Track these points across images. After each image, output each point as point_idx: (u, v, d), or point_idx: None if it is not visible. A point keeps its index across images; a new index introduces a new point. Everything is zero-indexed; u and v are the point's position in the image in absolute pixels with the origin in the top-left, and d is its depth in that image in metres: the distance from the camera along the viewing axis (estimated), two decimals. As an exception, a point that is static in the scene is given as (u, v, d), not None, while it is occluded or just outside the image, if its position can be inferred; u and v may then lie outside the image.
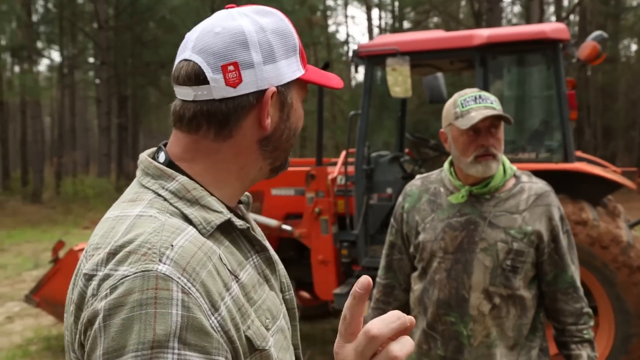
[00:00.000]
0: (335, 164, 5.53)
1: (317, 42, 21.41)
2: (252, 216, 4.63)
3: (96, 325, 0.80)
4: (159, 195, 0.93)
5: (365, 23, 23.56)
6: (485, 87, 4.40)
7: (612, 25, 23.32)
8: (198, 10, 17.04)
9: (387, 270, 2.23)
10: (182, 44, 0.97)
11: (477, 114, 1.89)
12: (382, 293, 2.24)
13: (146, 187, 0.95)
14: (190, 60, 0.94)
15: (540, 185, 2.03)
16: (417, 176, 2.23)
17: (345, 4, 25.64)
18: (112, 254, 0.84)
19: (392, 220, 2.21)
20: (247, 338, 0.90)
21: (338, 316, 6.35)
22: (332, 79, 1.08)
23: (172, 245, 0.84)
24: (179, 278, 0.81)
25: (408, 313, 2.26)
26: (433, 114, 14.51)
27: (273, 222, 5.10)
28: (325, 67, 4.94)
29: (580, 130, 23.39)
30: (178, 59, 0.97)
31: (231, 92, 0.93)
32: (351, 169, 4.94)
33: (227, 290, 0.89)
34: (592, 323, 2.02)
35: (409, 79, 4.42)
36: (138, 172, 0.99)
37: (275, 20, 0.98)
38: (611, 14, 22.96)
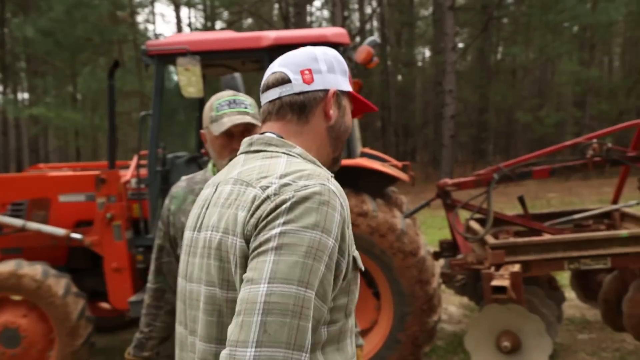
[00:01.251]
0: (129, 167, 5.31)
1: (124, 40, 20.42)
2: (34, 226, 4.27)
3: (283, 207, 1.12)
4: (290, 154, 1.28)
5: (176, 22, 22.96)
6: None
7: (407, 32, 25.58)
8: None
9: (157, 274, 2.19)
10: (268, 69, 1.38)
11: (228, 120, 1.94)
12: (153, 298, 2.21)
13: (274, 152, 1.29)
14: (277, 71, 1.34)
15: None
16: (183, 177, 2.22)
17: (152, 1, 24.80)
18: (285, 176, 1.18)
19: (159, 223, 2.18)
20: (353, 257, 1.23)
21: (138, 325, 6.11)
22: (369, 103, 1.48)
23: (329, 178, 1.22)
24: (339, 197, 1.18)
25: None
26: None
27: (60, 232, 4.75)
28: (115, 66, 4.72)
29: (383, 129, 25.31)
30: (266, 75, 1.37)
31: (306, 87, 1.33)
32: (145, 171, 4.78)
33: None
34: None
35: (201, 79, 4.40)
36: (254, 147, 1.32)
37: (333, 51, 1.40)
38: (406, 22, 25.13)
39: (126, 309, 4.71)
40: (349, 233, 1.21)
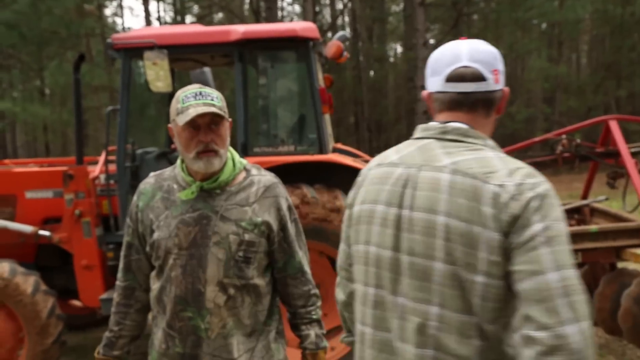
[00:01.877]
0: (98, 162, 5.23)
1: (92, 34, 20.05)
2: (0, 223, 4.17)
3: (533, 205, 1.33)
4: (488, 147, 1.48)
5: (144, 15, 22.63)
6: (244, 82, 4.51)
7: (378, 28, 25.66)
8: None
9: (126, 271, 2.17)
10: (447, 58, 1.52)
11: (193, 110, 1.91)
12: (123, 296, 2.19)
13: (474, 144, 1.48)
14: (471, 67, 1.49)
15: (269, 177, 2.11)
16: (151, 174, 2.20)
17: (121, -6, 24.41)
18: (512, 173, 1.38)
19: (127, 220, 2.16)
20: None
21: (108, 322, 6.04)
22: None
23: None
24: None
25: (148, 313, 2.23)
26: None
27: (28, 229, 4.67)
28: (80, 59, 4.64)
29: (357, 124, 25.38)
30: (453, 66, 1.50)
31: (496, 87, 1.52)
32: (114, 167, 4.71)
33: None
34: (319, 303, 2.20)
35: (169, 73, 4.35)
36: (450, 136, 1.50)
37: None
38: (377, 17, 25.21)
39: (97, 307, 4.66)
40: None
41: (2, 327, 4.40)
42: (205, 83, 5.14)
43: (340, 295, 1.85)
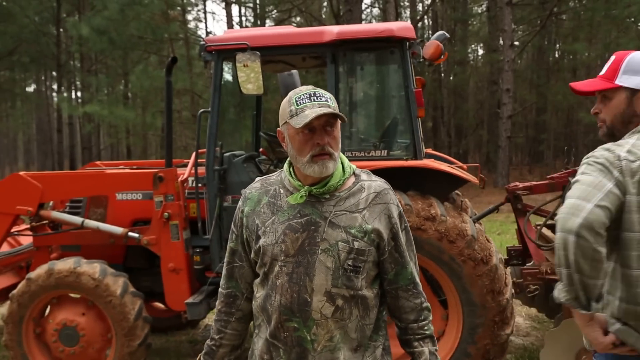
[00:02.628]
0: (187, 165, 5.22)
1: (175, 38, 20.63)
2: (92, 224, 4.22)
3: None
4: None
5: (226, 20, 23.06)
6: (337, 84, 4.35)
7: (460, 30, 25.00)
8: (41, -1, 15.70)
9: (229, 278, 2.10)
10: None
11: (311, 112, 1.81)
12: (225, 303, 2.11)
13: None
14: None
15: (379, 183, 1.99)
16: (257, 178, 2.11)
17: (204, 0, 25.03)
18: None
19: (232, 226, 2.08)
20: None
21: (194, 326, 6.06)
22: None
23: None
24: None
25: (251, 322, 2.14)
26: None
27: (118, 230, 4.70)
28: (173, 62, 4.63)
29: (435, 129, 24.83)
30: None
31: None
32: (202, 170, 4.66)
33: None
34: (431, 317, 2.04)
35: (260, 76, 4.25)
36: None
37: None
38: (460, 19, 24.57)
39: (183, 311, 4.61)
40: None
41: (92, 327, 4.44)
42: (293, 86, 5.03)
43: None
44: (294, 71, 5.38)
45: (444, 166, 4.28)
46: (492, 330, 3.96)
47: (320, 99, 1.85)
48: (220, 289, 2.13)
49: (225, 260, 2.11)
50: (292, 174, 1.97)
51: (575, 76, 23.28)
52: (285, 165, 2.01)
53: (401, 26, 4.31)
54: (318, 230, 1.88)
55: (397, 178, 4.24)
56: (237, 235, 2.05)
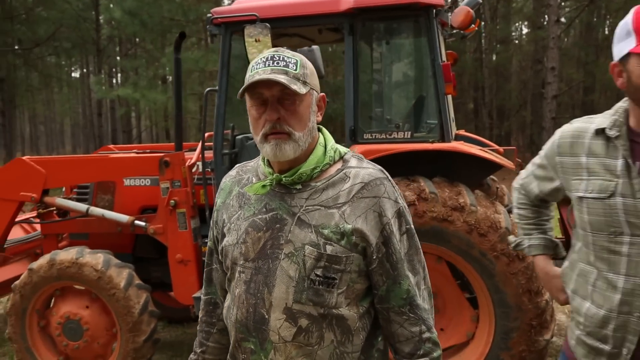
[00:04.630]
0: (196, 149, 4.89)
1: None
2: (97, 211, 3.95)
3: None
4: None
5: None
6: (355, 59, 3.93)
7: (503, 7, 23.98)
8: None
9: (208, 283, 1.79)
10: None
11: (256, 79, 1.44)
12: (205, 312, 1.81)
13: None
14: None
15: (370, 171, 1.56)
16: (237, 165, 1.77)
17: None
18: None
19: (211, 220, 1.75)
20: None
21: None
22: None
23: None
24: None
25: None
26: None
27: (124, 218, 4.41)
28: (181, 38, 4.28)
29: (476, 111, 24.01)
30: None
31: None
32: (210, 154, 4.33)
33: None
34: (436, 353, 1.57)
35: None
36: None
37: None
38: (502, -5, 23.53)
39: (191, 305, 4.31)
40: None
41: (96, 321, 4.19)
42: (315, 63, 4.60)
43: None
44: (315, 47, 4.93)
45: (475, 149, 3.81)
46: (528, 335, 3.50)
47: (278, 63, 1.46)
48: (201, 295, 1.82)
49: (205, 261, 1.79)
50: (265, 159, 1.60)
51: (626, 53, 22.04)
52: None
53: (427, -8, 3.84)
54: (283, 230, 1.51)
55: (422, 163, 3.82)
56: (212, 233, 1.73)
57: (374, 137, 3.94)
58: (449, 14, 3.94)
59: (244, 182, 1.64)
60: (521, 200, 2.15)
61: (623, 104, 1.76)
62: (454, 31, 4.27)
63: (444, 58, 4.07)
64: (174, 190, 4.23)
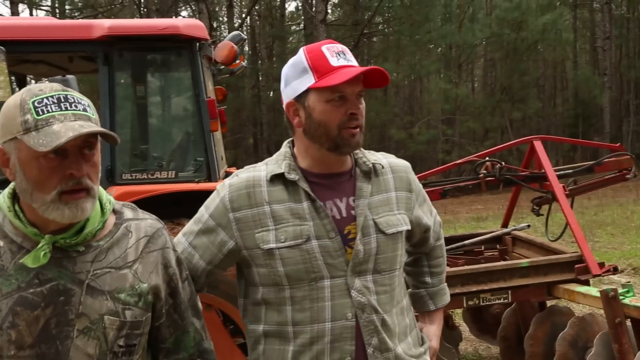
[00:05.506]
0: None
1: None
2: None
3: None
4: None
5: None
6: (111, 92, 3.58)
7: (278, 46, 25.18)
8: None
9: None
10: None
11: (63, 128, 1.23)
12: None
13: None
14: None
15: (150, 222, 1.48)
16: None
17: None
18: None
19: None
20: None
21: None
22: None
23: None
24: None
25: None
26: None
27: None
28: None
29: (255, 146, 24.64)
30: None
31: None
32: None
33: None
34: None
35: (8, 78, 3.34)
36: None
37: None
38: (278, 36, 24.72)
39: None
40: None
41: None
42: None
43: None
44: (70, 77, 4.42)
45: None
46: None
47: (76, 106, 1.27)
48: None
49: None
50: (21, 214, 1.31)
51: (385, 94, 24.61)
52: (3, 199, 1.33)
53: (190, 23, 3.69)
54: (71, 302, 1.30)
55: (187, 204, 3.56)
56: None
57: (134, 177, 3.59)
58: (212, 48, 3.80)
59: None
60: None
61: (287, 148, 1.67)
62: (221, 67, 4.14)
63: (211, 94, 3.90)
64: None
